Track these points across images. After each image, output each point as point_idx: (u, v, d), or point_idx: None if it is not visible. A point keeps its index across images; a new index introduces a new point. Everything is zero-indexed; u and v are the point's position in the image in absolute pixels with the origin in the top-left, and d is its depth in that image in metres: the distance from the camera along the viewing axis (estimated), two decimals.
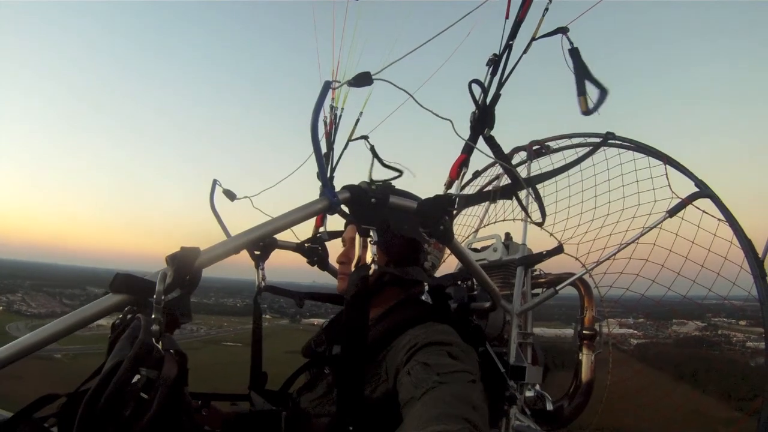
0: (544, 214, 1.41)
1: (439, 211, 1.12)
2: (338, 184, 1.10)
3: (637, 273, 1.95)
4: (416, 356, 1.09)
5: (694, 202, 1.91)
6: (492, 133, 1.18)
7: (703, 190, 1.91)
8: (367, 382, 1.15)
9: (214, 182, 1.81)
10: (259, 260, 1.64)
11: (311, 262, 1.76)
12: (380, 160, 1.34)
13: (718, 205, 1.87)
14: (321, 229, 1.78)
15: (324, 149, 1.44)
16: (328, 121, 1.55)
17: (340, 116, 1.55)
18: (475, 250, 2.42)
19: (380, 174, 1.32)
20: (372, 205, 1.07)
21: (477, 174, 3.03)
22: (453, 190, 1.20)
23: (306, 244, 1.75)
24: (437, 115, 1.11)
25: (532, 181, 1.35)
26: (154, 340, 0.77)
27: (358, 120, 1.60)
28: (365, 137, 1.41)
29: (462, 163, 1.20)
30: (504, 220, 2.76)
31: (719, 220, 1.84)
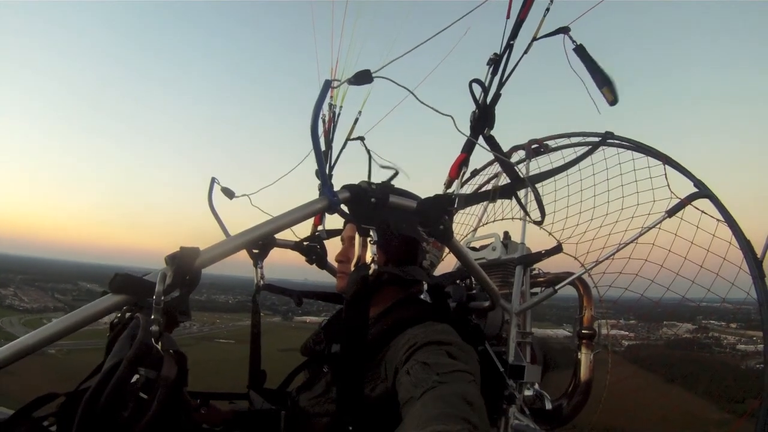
0: (543, 213, 1.40)
1: (439, 211, 1.12)
2: (336, 183, 1.10)
3: (636, 273, 1.96)
4: (415, 355, 1.08)
5: (693, 203, 1.91)
6: (491, 132, 1.18)
7: (702, 191, 1.92)
8: (366, 381, 1.15)
9: (213, 180, 1.80)
10: (258, 259, 1.63)
11: (310, 261, 1.75)
12: (376, 162, 1.33)
13: (717, 206, 1.87)
14: (320, 228, 1.77)
15: (323, 148, 1.44)
16: (326, 119, 1.55)
17: (339, 114, 1.55)
18: (474, 249, 2.42)
19: (377, 175, 1.32)
20: (372, 205, 1.07)
21: (475, 172, 3.02)
22: (453, 189, 1.20)
23: (305, 243, 1.74)
24: (438, 112, 1.10)
25: (532, 180, 1.34)
26: (153, 340, 0.76)
27: (357, 119, 1.60)
28: (361, 138, 1.41)
29: (462, 162, 1.20)
30: (503, 219, 2.76)
31: (718, 220, 1.85)
